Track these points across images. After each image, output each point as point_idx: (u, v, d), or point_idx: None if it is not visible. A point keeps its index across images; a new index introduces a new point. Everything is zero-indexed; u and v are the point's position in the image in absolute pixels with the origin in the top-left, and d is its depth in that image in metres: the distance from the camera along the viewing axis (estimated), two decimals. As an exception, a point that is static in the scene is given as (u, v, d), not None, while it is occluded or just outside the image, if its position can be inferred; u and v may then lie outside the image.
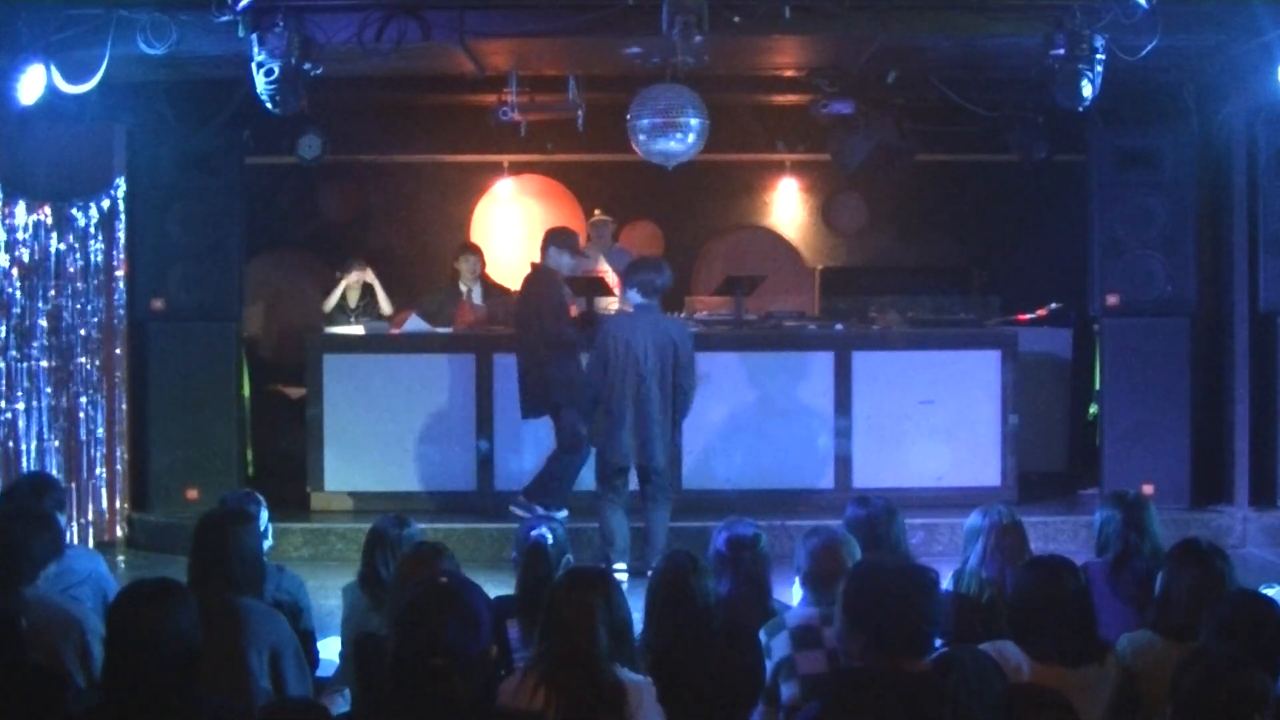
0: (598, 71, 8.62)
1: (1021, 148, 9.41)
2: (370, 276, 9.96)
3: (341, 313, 9.89)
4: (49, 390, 8.12)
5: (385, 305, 9.92)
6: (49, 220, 8.13)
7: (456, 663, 3.07)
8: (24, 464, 7.91)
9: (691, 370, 7.62)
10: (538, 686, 3.57)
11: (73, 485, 8.22)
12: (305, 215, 11.15)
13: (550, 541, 4.60)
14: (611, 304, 9.63)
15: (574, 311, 9.42)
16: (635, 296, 7.65)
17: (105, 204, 8.50)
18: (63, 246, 8.23)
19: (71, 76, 7.22)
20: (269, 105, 7.20)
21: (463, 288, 10.00)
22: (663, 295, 7.77)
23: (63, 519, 5.14)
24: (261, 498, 5.44)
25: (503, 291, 10.56)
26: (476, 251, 10.22)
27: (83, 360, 8.37)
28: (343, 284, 9.94)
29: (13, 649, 3.59)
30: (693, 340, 7.76)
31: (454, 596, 3.17)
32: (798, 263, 11.32)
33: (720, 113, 8.22)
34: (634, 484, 7.67)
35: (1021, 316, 9.57)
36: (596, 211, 10.43)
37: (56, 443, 8.17)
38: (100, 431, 8.48)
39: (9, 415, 7.85)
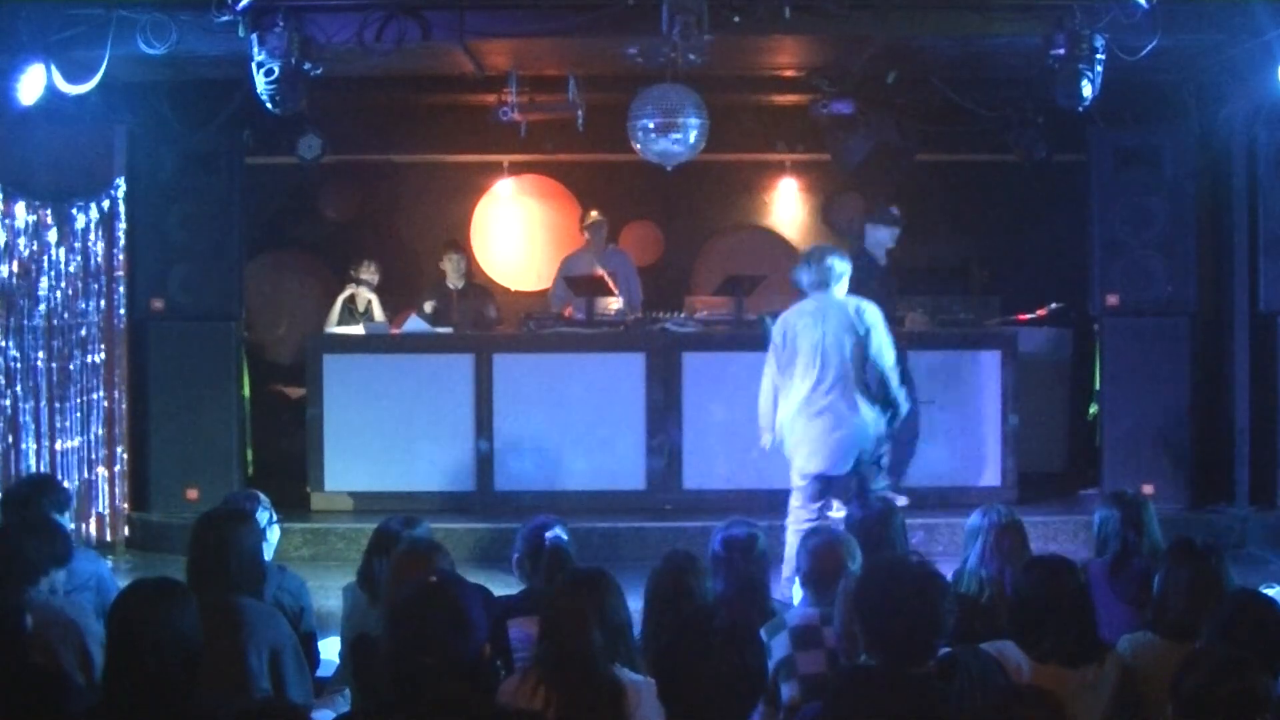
0: (598, 71, 8.61)
1: (1021, 148, 9.40)
2: (369, 293, 9.95)
3: (350, 314, 9.88)
4: (48, 390, 8.12)
5: (380, 318, 9.89)
6: (49, 220, 8.14)
7: (447, 662, 3.08)
8: (24, 464, 7.91)
9: (882, 356, 6.90)
10: (537, 686, 3.59)
11: (73, 485, 8.22)
12: (305, 215, 11.15)
13: (565, 539, 4.61)
14: (612, 304, 9.63)
15: (570, 312, 9.45)
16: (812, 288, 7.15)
17: (105, 204, 8.49)
18: (63, 246, 8.23)
19: (71, 76, 7.22)
20: (269, 105, 7.20)
21: (450, 285, 10.06)
22: (828, 281, 7.03)
23: (67, 520, 5.11)
24: (265, 498, 5.45)
25: (489, 290, 10.62)
26: (461, 249, 10.28)
27: (82, 360, 8.36)
28: (341, 297, 9.93)
29: (14, 651, 3.59)
30: (878, 323, 6.95)
31: (443, 596, 3.18)
32: (798, 263, 11.29)
33: (720, 113, 8.21)
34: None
35: (1021, 316, 9.57)
36: (593, 213, 10.38)
37: (57, 443, 8.17)
38: (100, 431, 8.48)
39: (9, 415, 7.85)
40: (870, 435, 7.01)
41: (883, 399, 6.98)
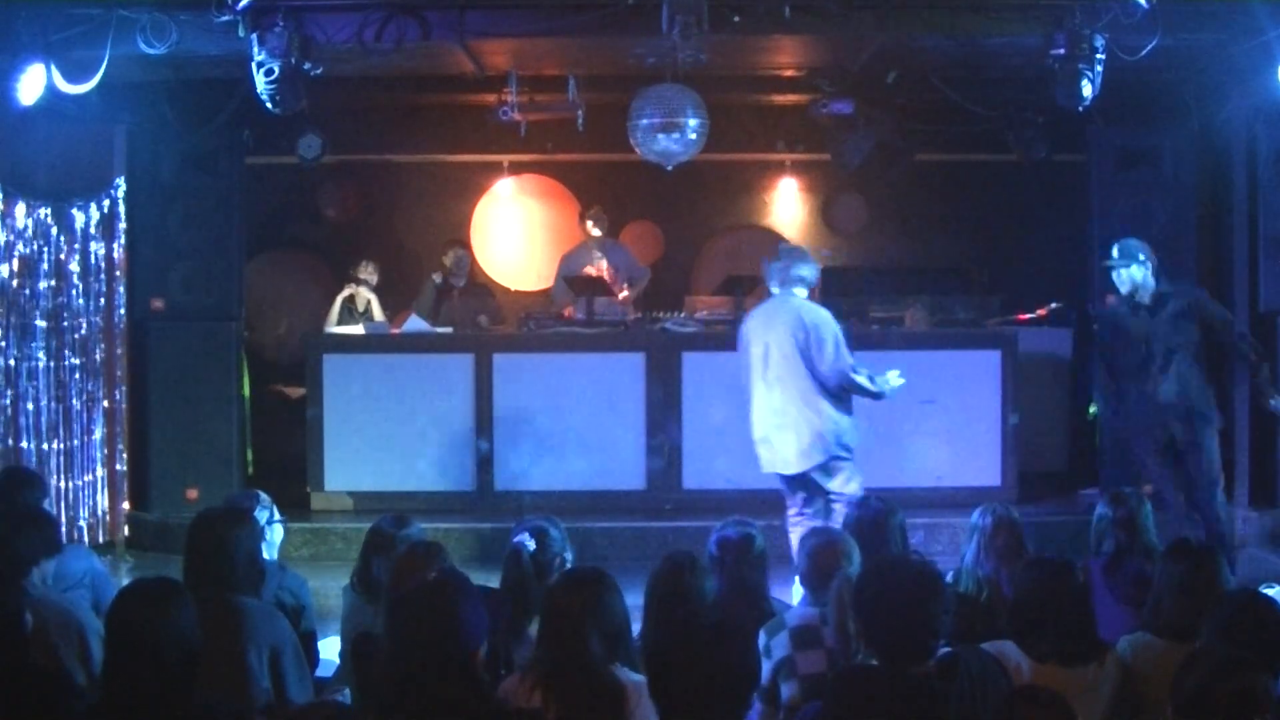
0: (598, 71, 8.62)
1: (1021, 148, 9.40)
2: (369, 293, 9.95)
3: (349, 314, 9.88)
4: (49, 390, 8.12)
5: (380, 318, 9.88)
6: (49, 220, 8.14)
7: (446, 662, 3.08)
8: (25, 464, 7.90)
9: (826, 360, 6.88)
10: (535, 686, 3.59)
11: (73, 485, 8.22)
12: (305, 215, 11.15)
13: (532, 549, 4.60)
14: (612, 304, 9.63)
15: (570, 312, 9.45)
16: (773, 288, 7.17)
17: (105, 204, 8.49)
18: (63, 246, 8.23)
19: (71, 76, 7.22)
20: (269, 105, 7.21)
21: (451, 282, 10.12)
22: (810, 286, 7.16)
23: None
24: (266, 497, 5.44)
25: (489, 290, 10.61)
26: (465, 245, 10.28)
27: (82, 360, 8.36)
28: (341, 297, 9.92)
29: (14, 651, 3.58)
30: (826, 327, 6.93)
31: (442, 596, 3.19)
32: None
33: (720, 113, 8.21)
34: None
35: (1021, 316, 9.56)
36: (595, 207, 10.37)
37: (56, 442, 8.16)
38: (100, 431, 8.48)
39: (9, 414, 7.85)
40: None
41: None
